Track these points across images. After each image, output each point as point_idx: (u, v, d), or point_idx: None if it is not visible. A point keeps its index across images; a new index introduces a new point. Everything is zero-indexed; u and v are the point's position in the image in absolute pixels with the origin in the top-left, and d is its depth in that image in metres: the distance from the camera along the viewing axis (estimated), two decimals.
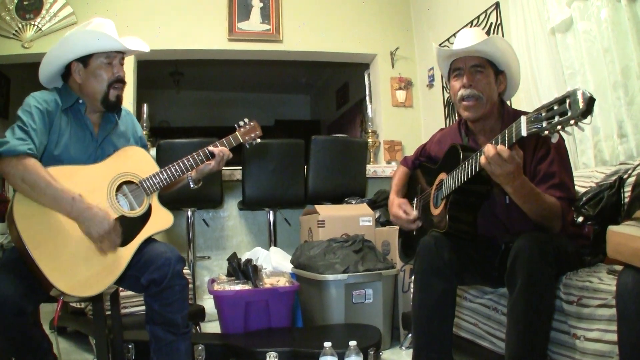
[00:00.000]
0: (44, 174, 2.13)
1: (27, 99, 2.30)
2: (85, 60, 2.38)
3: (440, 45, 5.52)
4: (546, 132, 1.69)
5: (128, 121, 2.65)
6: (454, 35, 5.26)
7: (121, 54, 2.47)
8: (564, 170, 2.26)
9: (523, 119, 1.79)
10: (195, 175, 2.65)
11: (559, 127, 1.65)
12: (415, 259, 2.32)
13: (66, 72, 2.43)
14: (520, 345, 1.96)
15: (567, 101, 1.62)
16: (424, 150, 2.82)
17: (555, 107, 1.66)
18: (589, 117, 1.58)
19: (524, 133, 1.78)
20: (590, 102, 1.56)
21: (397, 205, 2.66)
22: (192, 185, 2.67)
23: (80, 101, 2.41)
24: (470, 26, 4.97)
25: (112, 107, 2.46)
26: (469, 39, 2.42)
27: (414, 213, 2.59)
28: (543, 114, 1.71)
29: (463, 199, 2.26)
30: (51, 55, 2.37)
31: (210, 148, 2.59)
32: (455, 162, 2.24)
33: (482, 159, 1.95)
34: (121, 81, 2.45)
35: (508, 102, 2.59)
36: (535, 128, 1.73)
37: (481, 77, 2.39)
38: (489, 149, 1.92)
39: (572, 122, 1.61)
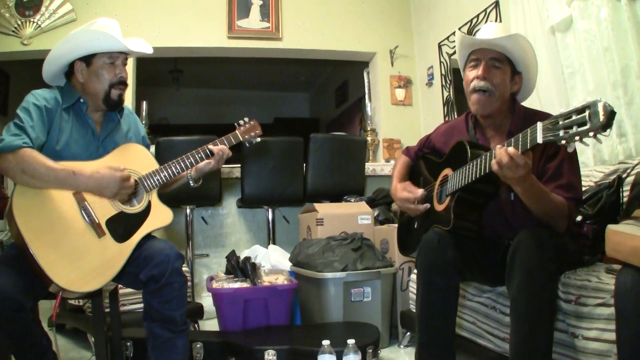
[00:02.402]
0: (42, 159, 2.15)
1: (27, 97, 2.31)
2: (88, 59, 2.39)
3: (439, 43, 5.55)
4: (563, 142, 1.64)
5: (131, 121, 2.65)
6: (453, 34, 5.26)
7: (124, 54, 2.47)
8: (573, 170, 2.22)
9: (539, 125, 1.74)
10: (195, 174, 2.64)
11: (577, 137, 1.60)
12: (418, 256, 2.31)
13: (69, 70, 2.44)
14: (523, 344, 1.94)
15: (587, 112, 1.57)
16: (429, 141, 2.77)
17: (574, 117, 1.61)
18: (608, 130, 1.54)
19: (539, 140, 1.73)
20: (611, 115, 1.52)
21: (402, 189, 2.62)
22: (192, 184, 2.66)
23: (82, 100, 2.42)
24: (470, 25, 4.98)
25: (114, 106, 2.48)
26: (493, 32, 2.38)
27: (420, 192, 2.54)
28: (560, 122, 1.65)
29: (469, 198, 2.24)
30: (54, 54, 2.37)
31: (210, 147, 2.59)
32: (462, 159, 2.22)
33: (494, 164, 1.92)
34: (123, 82, 2.46)
35: None
36: (552, 136, 1.68)
37: (497, 72, 2.34)
38: (501, 153, 1.88)
39: (591, 134, 1.56)
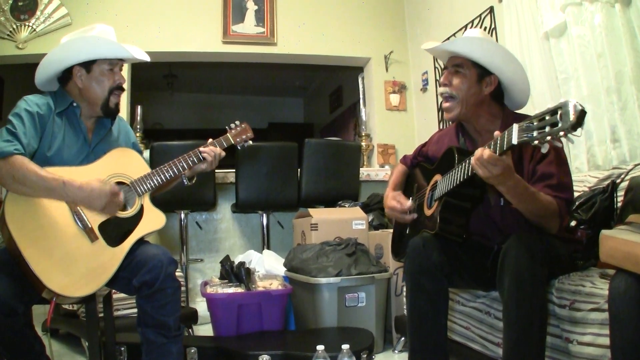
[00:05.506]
0: (33, 167, 2.14)
1: (19, 102, 2.30)
2: (88, 65, 2.39)
3: None
4: (536, 142, 1.69)
5: (121, 127, 2.65)
6: (448, 39, 5.27)
7: (122, 61, 2.49)
8: (562, 171, 2.22)
9: (515, 127, 1.79)
10: (189, 173, 2.62)
11: (548, 137, 1.64)
12: (405, 261, 2.32)
13: (65, 76, 2.43)
14: (514, 349, 1.94)
15: (559, 112, 1.61)
16: (422, 150, 2.80)
17: (547, 118, 1.65)
18: (579, 129, 1.57)
19: (514, 141, 1.78)
20: (581, 114, 1.55)
21: (392, 197, 2.65)
22: (185, 182, 2.64)
23: (75, 104, 2.41)
24: (464, 31, 4.97)
25: (111, 113, 2.49)
26: (466, 38, 2.39)
27: (407, 203, 2.57)
28: (534, 124, 1.70)
29: (456, 202, 2.25)
30: (52, 58, 2.36)
31: (202, 149, 2.57)
32: (451, 165, 2.23)
33: (473, 161, 1.95)
34: (121, 88, 2.47)
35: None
36: (526, 137, 1.72)
37: (458, 77, 2.37)
38: (478, 151, 1.93)
39: (561, 133, 1.60)
